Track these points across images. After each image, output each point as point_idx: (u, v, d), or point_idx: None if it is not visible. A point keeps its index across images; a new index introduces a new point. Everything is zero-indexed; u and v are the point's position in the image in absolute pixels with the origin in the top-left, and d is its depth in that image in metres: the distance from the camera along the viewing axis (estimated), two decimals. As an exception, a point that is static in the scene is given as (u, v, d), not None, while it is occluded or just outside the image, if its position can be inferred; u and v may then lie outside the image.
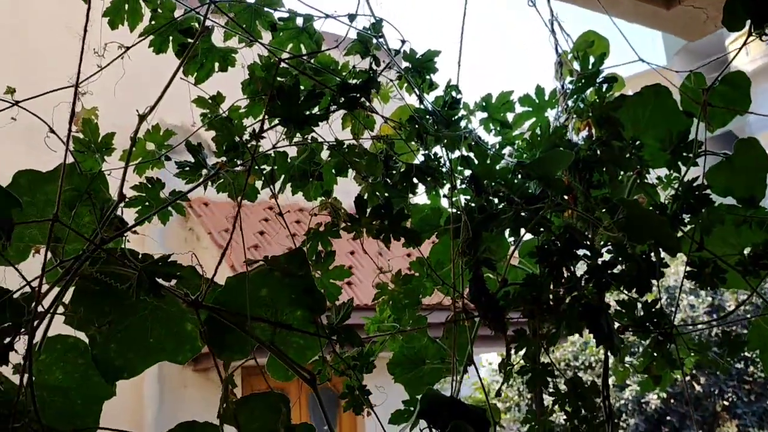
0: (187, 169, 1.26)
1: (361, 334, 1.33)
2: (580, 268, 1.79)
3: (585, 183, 1.89)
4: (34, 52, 6.48)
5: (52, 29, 6.49)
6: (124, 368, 1.21)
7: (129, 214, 1.26)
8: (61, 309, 1.12)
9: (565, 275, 1.78)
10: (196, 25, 1.35)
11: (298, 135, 1.35)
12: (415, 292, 1.49)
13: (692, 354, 2.04)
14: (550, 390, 1.73)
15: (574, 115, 2.04)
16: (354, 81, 1.44)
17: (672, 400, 10.93)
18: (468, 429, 1.16)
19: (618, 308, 1.83)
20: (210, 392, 6.56)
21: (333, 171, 1.43)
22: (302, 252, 1.18)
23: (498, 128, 1.68)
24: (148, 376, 6.24)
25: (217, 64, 1.40)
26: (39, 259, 1.17)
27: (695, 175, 1.89)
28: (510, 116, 1.72)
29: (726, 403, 10.69)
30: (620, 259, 1.75)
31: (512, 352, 1.73)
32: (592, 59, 2.09)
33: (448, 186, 1.62)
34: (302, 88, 1.40)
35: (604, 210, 1.84)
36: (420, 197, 1.65)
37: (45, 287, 1.07)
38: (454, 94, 1.58)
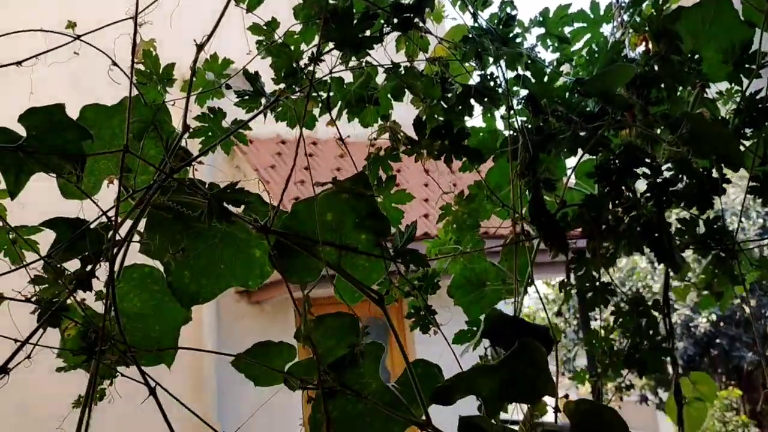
0: (247, 97, 1.26)
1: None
2: (640, 187, 1.76)
3: (643, 99, 1.84)
4: None
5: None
6: (198, 293, 1.25)
7: (193, 145, 1.28)
8: (136, 238, 1.15)
9: (625, 194, 1.76)
10: (247, -50, 1.33)
11: (353, 60, 1.34)
12: (477, 212, 1.49)
13: (753, 269, 2.01)
14: (612, 309, 1.74)
15: (631, 30, 1.96)
16: (407, 1, 1.41)
17: (721, 323, 10.87)
18: (535, 345, 1.17)
19: (679, 226, 1.81)
20: (264, 323, 6.77)
21: (389, 95, 1.41)
22: (365, 175, 1.19)
23: (556, 44, 1.63)
24: (206, 309, 6.45)
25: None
26: (112, 191, 1.20)
27: (758, 87, 1.82)
28: (567, 32, 1.67)
29: (777, 324, 10.59)
30: (681, 176, 1.71)
31: (571, 272, 1.73)
32: (648, -30, 1.99)
33: (504, 107, 1.60)
34: (355, 10, 1.38)
35: (663, 126, 1.79)
36: (475, 120, 1.63)
37: (120, 218, 1.10)
38: (509, 10, 1.54)
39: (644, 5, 2.01)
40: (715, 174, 1.73)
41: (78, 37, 1.10)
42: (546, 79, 1.58)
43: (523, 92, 1.60)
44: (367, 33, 1.34)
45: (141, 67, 1.18)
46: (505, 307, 1.61)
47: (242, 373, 1.15)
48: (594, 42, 1.92)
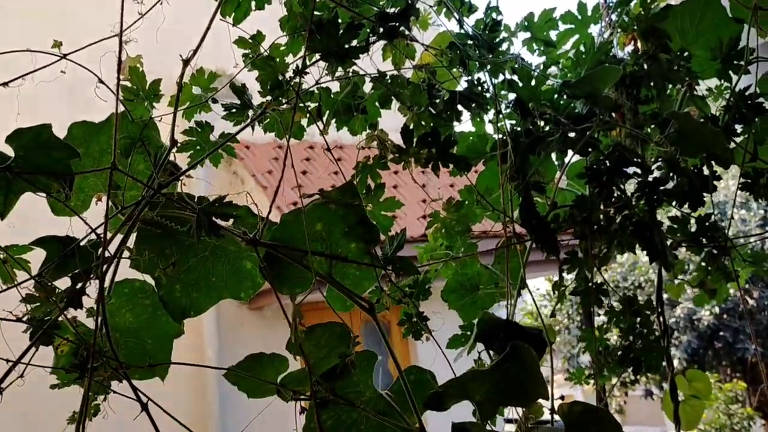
0: (234, 110, 1.27)
1: (415, 264, 1.34)
2: (631, 186, 1.77)
3: (633, 99, 1.84)
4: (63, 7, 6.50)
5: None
6: (190, 307, 1.26)
7: (181, 159, 1.29)
8: (126, 254, 1.16)
9: (616, 194, 1.76)
10: (230, -37, 1.34)
11: (339, 69, 1.35)
12: (467, 218, 1.49)
13: (747, 265, 2.02)
14: (605, 309, 1.74)
15: (619, 30, 1.97)
16: (392, 10, 1.42)
17: (725, 316, 10.86)
18: (526, 348, 1.18)
19: (670, 224, 1.82)
20: (265, 329, 6.77)
21: (377, 103, 1.42)
22: (353, 184, 1.19)
23: (542, 48, 1.64)
24: (206, 316, 6.46)
25: (253, 3, 1.39)
26: (100, 208, 1.21)
27: (747, 83, 1.83)
28: (553, 35, 1.67)
29: (780, 315, 10.58)
30: (671, 174, 1.72)
31: (564, 273, 1.73)
32: (635, -31, 2.00)
33: (492, 111, 1.60)
34: (340, 21, 1.38)
35: (653, 126, 1.80)
36: (464, 125, 1.64)
37: (109, 234, 1.11)
38: (494, 15, 1.54)
39: (632, 4, 2.01)
40: (706, 171, 1.74)
41: (65, 56, 1.11)
42: (533, 82, 1.58)
43: (511, 96, 1.61)
44: (353, 43, 1.35)
45: (128, 83, 1.19)
46: (499, 310, 1.62)
47: (235, 385, 1.16)
48: (582, 43, 1.92)
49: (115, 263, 1.10)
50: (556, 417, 1.33)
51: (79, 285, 1.02)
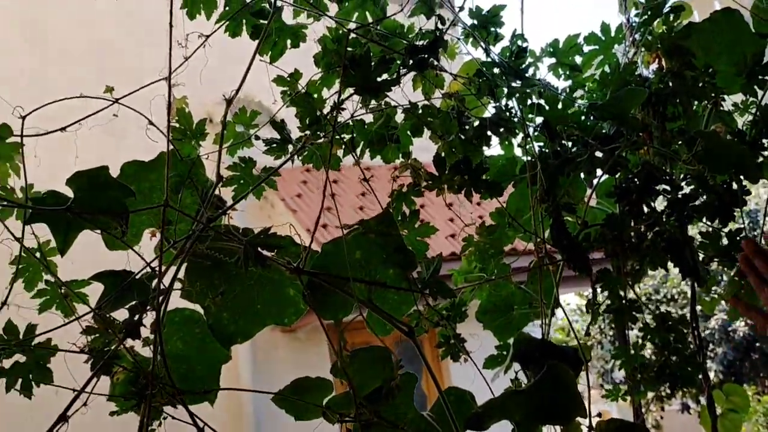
0: (275, 145, 1.33)
1: (449, 285, 1.39)
2: (661, 203, 1.79)
3: (659, 117, 1.87)
4: (106, 51, 6.71)
5: (123, 29, 6.70)
6: (238, 333, 1.31)
7: (226, 192, 1.35)
8: (177, 285, 1.22)
9: (646, 212, 1.79)
10: (267, 6, 1.41)
11: (372, 101, 1.41)
12: (499, 241, 1.54)
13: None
14: (639, 325, 1.76)
15: (643, 49, 2.00)
16: (421, 42, 1.48)
17: (761, 327, 10.64)
18: (563, 368, 1.21)
19: (701, 240, 1.83)
20: (298, 351, 6.83)
21: (409, 132, 1.48)
22: (390, 214, 1.25)
23: (567, 72, 1.68)
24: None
25: (288, 41, 1.46)
26: (147, 240, 1.28)
27: (773, 97, 1.85)
28: (578, 59, 1.72)
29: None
30: (701, 191, 1.74)
31: (597, 291, 1.76)
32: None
33: (520, 135, 1.65)
34: (372, 54, 1.45)
35: (681, 143, 1.82)
36: (493, 148, 1.69)
37: (162, 267, 1.17)
38: (520, 43, 1.59)
39: (655, 23, 2.05)
40: (735, 186, 1.76)
41: (117, 101, 1.18)
42: (560, 105, 1.63)
43: (539, 119, 1.65)
44: (385, 76, 1.41)
45: (175, 123, 1.26)
46: (534, 329, 1.65)
47: (282, 409, 1.21)
48: (606, 63, 1.96)
49: (168, 294, 1.16)
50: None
51: (137, 317, 1.08)
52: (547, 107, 1.63)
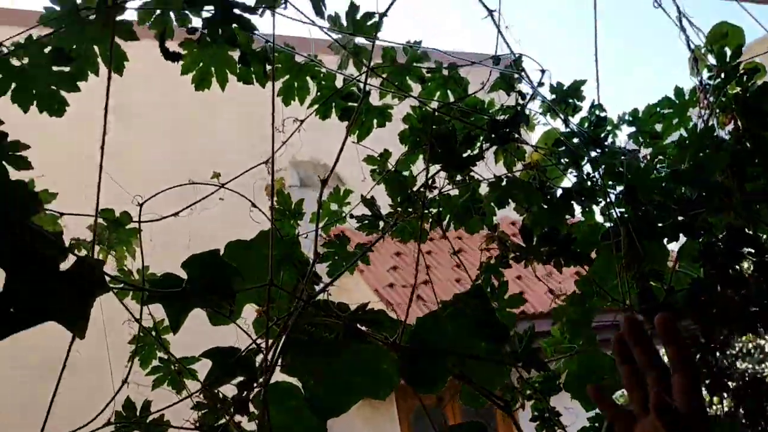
0: (366, 222, 1.39)
1: (541, 357, 1.39)
2: (747, 266, 1.77)
3: (739, 178, 1.86)
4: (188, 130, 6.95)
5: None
6: (333, 407, 1.34)
7: (321, 268, 1.41)
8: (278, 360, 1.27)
9: (732, 275, 1.76)
10: (355, 89, 1.49)
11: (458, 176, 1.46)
12: (589, 311, 1.54)
13: None
14: (731, 392, 1.72)
15: (717, 110, 2.00)
16: (502, 117, 1.53)
17: None
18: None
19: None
20: (375, 420, 6.79)
21: (493, 204, 1.51)
22: (480, 287, 1.27)
23: (648, 140, 1.70)
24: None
25: (375, 121, 1.53)
26: (245, 313, 1.34)
27: None
28: (658, 126, 1.74)
29: None
30: (788, 252, 1.71)
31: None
32: (728, 51, 2.05)
33: (603, 201, 1.66)
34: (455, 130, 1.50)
35: (763, 203, 1.80)
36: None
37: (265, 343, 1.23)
38: (598, 112, 1.63)
39: (728, 85, 2.05)
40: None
41: (223, 186, 1.26)
42: (642, 172, 1.64)
43: (620, 186, 1.66)
44: (469, 151, 1.46)
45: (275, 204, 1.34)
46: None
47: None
48: (682, 126, 1.97)
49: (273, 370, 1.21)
50: None
51: (246, 393, 1.13)
52: (629, 175, 1.64)
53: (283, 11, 1.35)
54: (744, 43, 2.09)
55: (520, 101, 1.53)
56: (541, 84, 1.55)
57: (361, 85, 1.46)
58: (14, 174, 1.25)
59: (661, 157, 1.78)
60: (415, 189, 1.39)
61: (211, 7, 1.29)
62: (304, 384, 1.34)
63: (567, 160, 1.62)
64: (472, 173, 1.50)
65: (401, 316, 1.30)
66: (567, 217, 1.63)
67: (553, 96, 1.56)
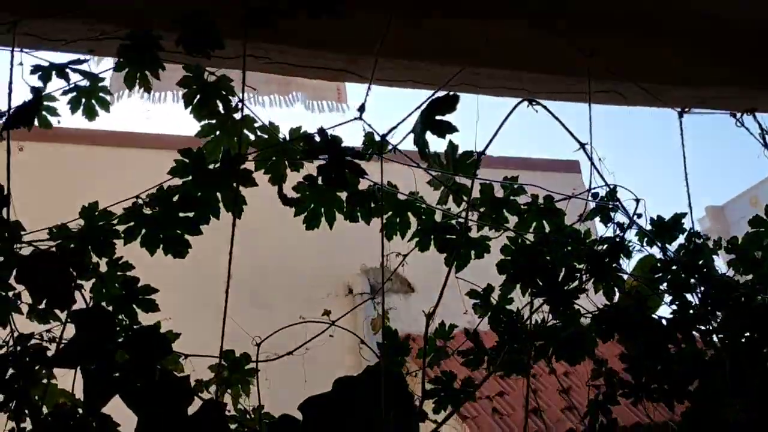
0: (471, 357, 1.40)
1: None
2: None
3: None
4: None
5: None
6: None
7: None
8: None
9: None
10: (454, 223, 1.54)
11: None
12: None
13: None
14: None
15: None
16: (601, 248, 1.54)
17: None
18: None
19: None
20: None
21: (596, 336, 1.50)
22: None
23: (748, 266, 1.69)
24: None
25: (473, 252, 1.57)
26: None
27: None
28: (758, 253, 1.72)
29: None
30: None
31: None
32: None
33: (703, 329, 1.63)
34: (548, 258, 1.52)
35: None
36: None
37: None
38: (696, 240, 1.63)
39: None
40: None
41: (333, 323, 1.29)
42: (743, 300, 1.61)
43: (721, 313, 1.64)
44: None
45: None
46: None
47: None
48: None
49: None
50: None
51: None
52: (729, 302, 1.62)
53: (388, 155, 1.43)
54: (834, 161, 2.07)
55: (618, 232, 1.55)
56: (638, 215, 1.57)
57: (458, 219, 1.50)
58: (143, 316, 1.32)
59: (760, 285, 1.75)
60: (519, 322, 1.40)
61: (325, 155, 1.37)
62: None
63: (666, 288, 1.61)
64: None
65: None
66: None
67: (652, 228, 1.58)
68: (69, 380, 1.36)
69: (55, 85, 1.41)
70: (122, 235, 1.32)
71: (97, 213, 1.29)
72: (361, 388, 1.39)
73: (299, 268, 5.64)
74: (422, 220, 1.54)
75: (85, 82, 1.42)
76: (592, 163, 1.62)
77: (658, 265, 1.64)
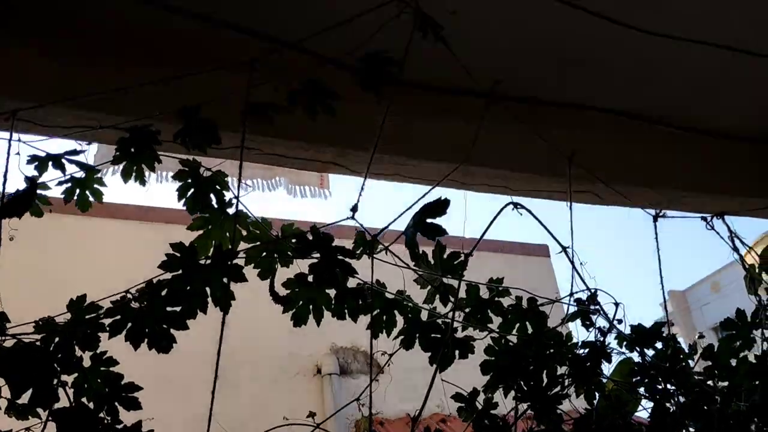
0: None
1: None
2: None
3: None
4: None
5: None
6: None
7: None
8: None
9: None
10: (440, 322, 1.55)
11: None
12: None
13: None
14: None
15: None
16: (582, 352, 1.57)
17: None
18: None
19: None
20: None
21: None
22: None
23: (724, 373, 1.72)
24: None
25: (457, 352, 1.58)
26: None
27: None
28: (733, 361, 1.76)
29: None
30: None
31: None
32: (785, 273, 2.10)
33: None
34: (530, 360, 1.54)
35: None
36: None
37: None
38: (675, 345, 1.66)
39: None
40: None
41: (317, 428, 1.27)
42: (720, 406, 1.64)
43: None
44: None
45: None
46: None
47: None
48: (746, 348, 1.98)
49: None
50: None
51: None
52: (705, 407, 1.64)
53: (378, 255, 1.45)
54: (798, 267, 2.16)
55: (599, 337, 1.58)
56: (619, 321, 1.61)
57: (444, 319, 1.52)
58: (124, 414, 1.29)
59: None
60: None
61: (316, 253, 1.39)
62: None
63: (643, 392, 1.64)
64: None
65: None
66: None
67: (632, 334, 1.61)
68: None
69: (50, 172, 1.41)
70: (107, 328, 1.30)
71: (84, 306, 1.28)
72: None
73: (268, 347, 5.54)
74: (408, 318, 1.55)
75: (80, 173, 1.43)
76: (574, 267, 1.66)
77: (636, 369, 1.67)
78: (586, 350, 1.59)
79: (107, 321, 1.30)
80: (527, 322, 1.63)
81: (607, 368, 1.76)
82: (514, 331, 1.62)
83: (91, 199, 1.45)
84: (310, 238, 1.40)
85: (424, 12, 1.51)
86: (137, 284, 1.29)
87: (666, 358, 1.67)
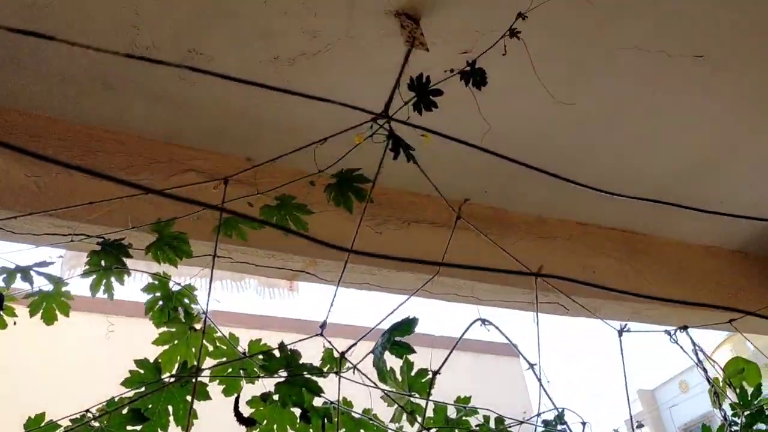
0: None
1: None
2: None
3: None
4: None
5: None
6: None
7: None
8: None
9: None
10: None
11: None
12: None
13: None
14: None
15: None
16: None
17: None
18: None
19: None
20: None
21: None
22: None
23: None
24: None
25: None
26: None
27: None
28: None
29: None
30: None
31: None
32: (749, 388, 2.14)
33: None
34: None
35: None
36: None
37: None
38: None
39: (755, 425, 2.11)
40: None
41: None
42: None
43: None
44: None
45: None
46: None
47: None
48: None
49: None
50: None
51: None
52: None
53: (345, 373, 1.44)
54: (761, 381, 2.19)
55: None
56: (586, 440, 1.59)
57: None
58: None
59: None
60: None
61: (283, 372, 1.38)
62: None
63: None
64: None
65: None
66: None
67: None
68: None
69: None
70: (64, 448, 1.25)
71: (42, 425, 1.24)
72: None
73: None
74: (375, 438, 1.52)
75: (48, 286, 1.41)
76: (541, 385, 1.66)
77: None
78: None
79: (64, 440, 1.26)
80: (489, 444, 1.61)
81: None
82: (483, 454, 1.60)
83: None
84: (278, 355, 1.39)
85: (397, 135, 1.57)
86: (98, 404, 1.26)
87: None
